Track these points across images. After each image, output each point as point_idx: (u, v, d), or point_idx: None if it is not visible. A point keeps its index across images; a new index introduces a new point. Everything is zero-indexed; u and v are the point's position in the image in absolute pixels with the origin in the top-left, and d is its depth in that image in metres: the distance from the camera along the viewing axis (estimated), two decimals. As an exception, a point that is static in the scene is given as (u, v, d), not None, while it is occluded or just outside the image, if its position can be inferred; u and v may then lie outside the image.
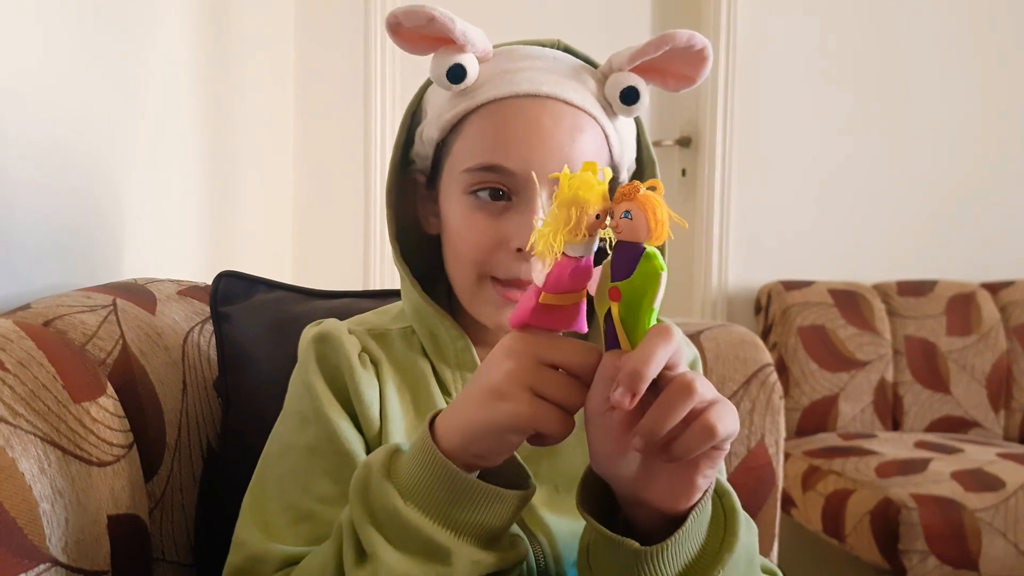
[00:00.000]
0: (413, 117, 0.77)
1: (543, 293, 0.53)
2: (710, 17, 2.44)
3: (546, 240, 0.52)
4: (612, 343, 0.54)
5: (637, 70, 0.71)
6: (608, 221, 0.52)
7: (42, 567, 0.61)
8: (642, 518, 0.58)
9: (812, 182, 2.51)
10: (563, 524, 0.71)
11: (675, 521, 0.56)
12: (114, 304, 0.87)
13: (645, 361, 0.50)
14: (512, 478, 0.60)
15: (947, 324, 2.34)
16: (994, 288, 2.43)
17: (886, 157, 2.53)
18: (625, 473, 0.56)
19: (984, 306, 2.37)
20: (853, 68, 2.50)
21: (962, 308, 2.36)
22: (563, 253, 0.52)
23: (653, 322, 0.53)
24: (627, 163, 0.77)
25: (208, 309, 0.97)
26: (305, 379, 0.73)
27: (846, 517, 1.86)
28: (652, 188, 0.51)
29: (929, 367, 2.31)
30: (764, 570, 0.73)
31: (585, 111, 0.71)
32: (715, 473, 0.56)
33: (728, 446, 0.54)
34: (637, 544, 0.56)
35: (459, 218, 0.72)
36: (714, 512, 0.59)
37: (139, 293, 0.93)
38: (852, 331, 2.28)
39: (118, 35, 1.12)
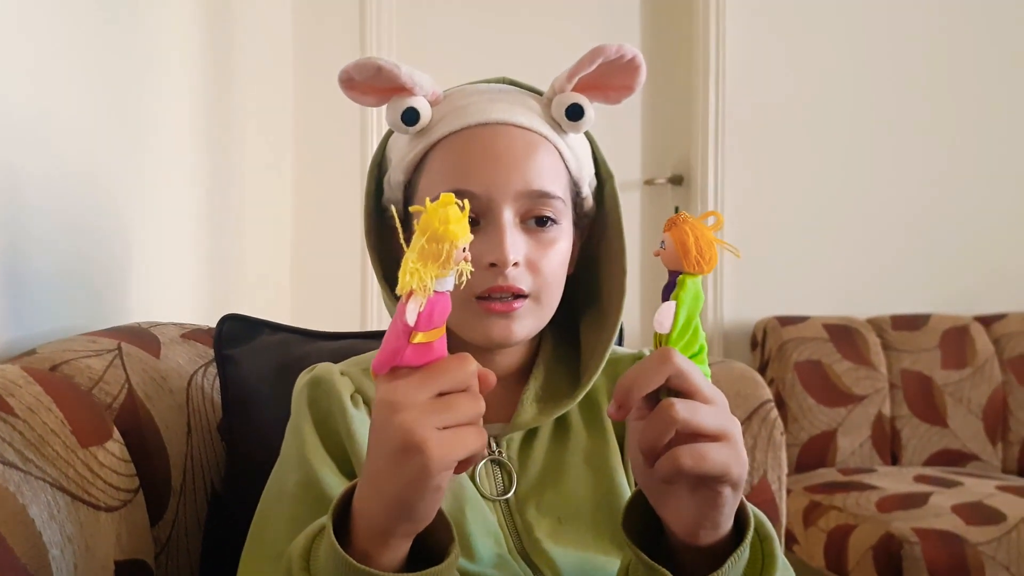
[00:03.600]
0: (380, 167, 0.81)
1: (417, 333, 0.52)
2: (699, 55, 2.48)
3: (418, 277, 0.51)
4: None
5: (579, 90, 0.75)
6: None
7: (51, 614, 0.61)
8: (678, 546, 0.59)
9: (804, 217, 2.54)
10: (567, 555, 0.71)
11: (712, 555, 0.58)
12: (119, 348, 0.87)
13: (630, 378, 0.55)
14: (441, 534, 0.60)
15: (942, 357, 2.35)
16: (987, 321, 2.44)
17: (877, 192, 2.56)
18: (647, 484, 0.59)
19: (978, 339, 2.38)
20: (843, 104, 2.54)
21: (956, 341, 2.38)
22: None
23: (676, 346, 0.56)
24: (587, 178, 0.79)
25: (211, 352, 0.98)
26: (295, 424, 0.75)
27: (849, 552, 1.85)
28: (712, 217, 0.54)
29: (926, 400, 2.32)
30: None
31: (535, 131, 0.74)
32: (717, 515, 0.57)
33: (726, 488, 0.56)
34: (670, 574, 0.58)
35: None
36: (752, 556, 0.60)
37: (143, 337, 0.94)
38: (848, 365, 2.29)
39: (125, 85, 1.14)
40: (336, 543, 0.55)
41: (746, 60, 2.49)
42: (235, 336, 0.97)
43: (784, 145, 2.53)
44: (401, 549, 0.57)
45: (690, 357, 0.57)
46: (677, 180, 2.56)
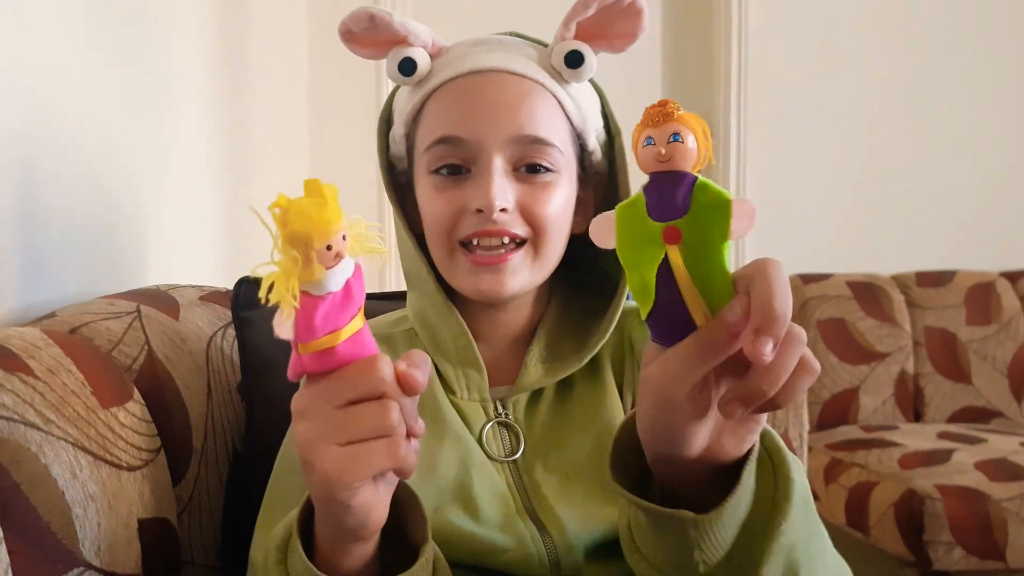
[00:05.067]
0: (388, 124, 0.81)
1: (307, 343, 0.46)
2: (721, 10, 2.44)
3: (279, 290, 0.43)
4: (669, 297, 0.44)
5: (582, 39, 0.73)
6: (641, 147, 0.43)
7: (76, 571, 0.61)
8: (685, 479, 0.52)
9: (828, 174, 2.50)
10: (572, 511, 0.71)
11: (718, 472, 0.51)
12: (138, 310, 0.88)
13: (785, 304, 0.42)
14: (419, 533, 0.58)
15: (967, 314, 2.33)
16: (1013, 277, 2.41)
17: (902, 147, 2.52)
18: (695, 446, 0.50)
19: (1004, 295, 2.35)
20: (866, 58, 2.49)
21: (982, 298, 2.35)
22: (305, 295, 0.44)
23: (729, 261, 0.43)
24: (594, 130, 0.78)
25: (230, 314, 0.98)
26: None
27: (870, 509, 1.85)
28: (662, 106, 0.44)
29: (950, 358, 2.30)
30: None
31: (531, 78, 0.73)
32: (761, 424, 0.52)
33: None
34: (692, 514, 0.50)
35: (426, 198, 0.75)
36: (758, 454, 0.53)
37: (162, 299, 0.94)
38: (872, 323, 2.27)
39: (139, 47, 1.13)
40: (302, 551, 0.54)
41: (769, 12, 2.44)
42: (253, 298, 0.97)
43: (808, 99, 2.48)
44: (354, 556, 0.54)
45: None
46: (698, 137, 2.52)
